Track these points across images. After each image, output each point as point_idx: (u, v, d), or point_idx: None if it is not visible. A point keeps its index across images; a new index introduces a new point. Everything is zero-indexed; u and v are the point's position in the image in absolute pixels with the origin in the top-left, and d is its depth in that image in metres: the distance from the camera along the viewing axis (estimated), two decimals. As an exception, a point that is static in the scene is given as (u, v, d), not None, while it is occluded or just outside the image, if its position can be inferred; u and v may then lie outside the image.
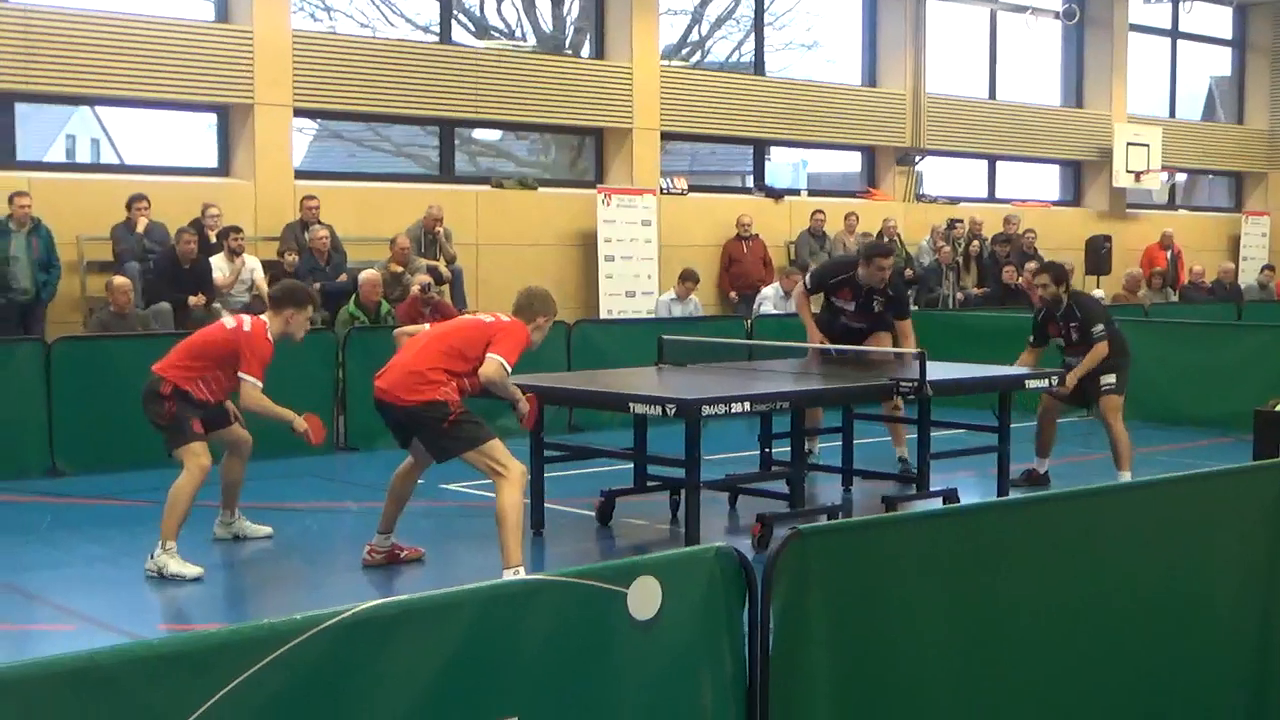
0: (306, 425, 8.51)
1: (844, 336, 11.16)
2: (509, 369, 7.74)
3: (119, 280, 13.17)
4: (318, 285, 14.84)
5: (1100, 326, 10.76)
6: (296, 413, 8.53)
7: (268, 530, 9.27)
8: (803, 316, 11.31)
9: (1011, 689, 4.36)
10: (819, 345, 11.00)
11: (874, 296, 10.94)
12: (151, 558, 8.14)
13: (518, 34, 19.63)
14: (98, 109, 17.25)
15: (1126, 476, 10.36)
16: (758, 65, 20.87)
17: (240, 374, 8.32)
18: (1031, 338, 11.13)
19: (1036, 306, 11.09)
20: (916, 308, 19.07)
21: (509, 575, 7.34)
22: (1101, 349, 10.69)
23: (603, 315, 17.36)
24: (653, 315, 16.98)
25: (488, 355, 7.69)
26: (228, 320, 8.85)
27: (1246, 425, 9.12)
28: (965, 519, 4.57)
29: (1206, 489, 5.08)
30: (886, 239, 19.94)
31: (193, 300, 13.72)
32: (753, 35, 20.95)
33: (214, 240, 14.68)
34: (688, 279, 17.09)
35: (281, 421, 8.53)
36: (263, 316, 8.65)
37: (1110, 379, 10.78)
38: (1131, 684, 4.65)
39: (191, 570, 8.15)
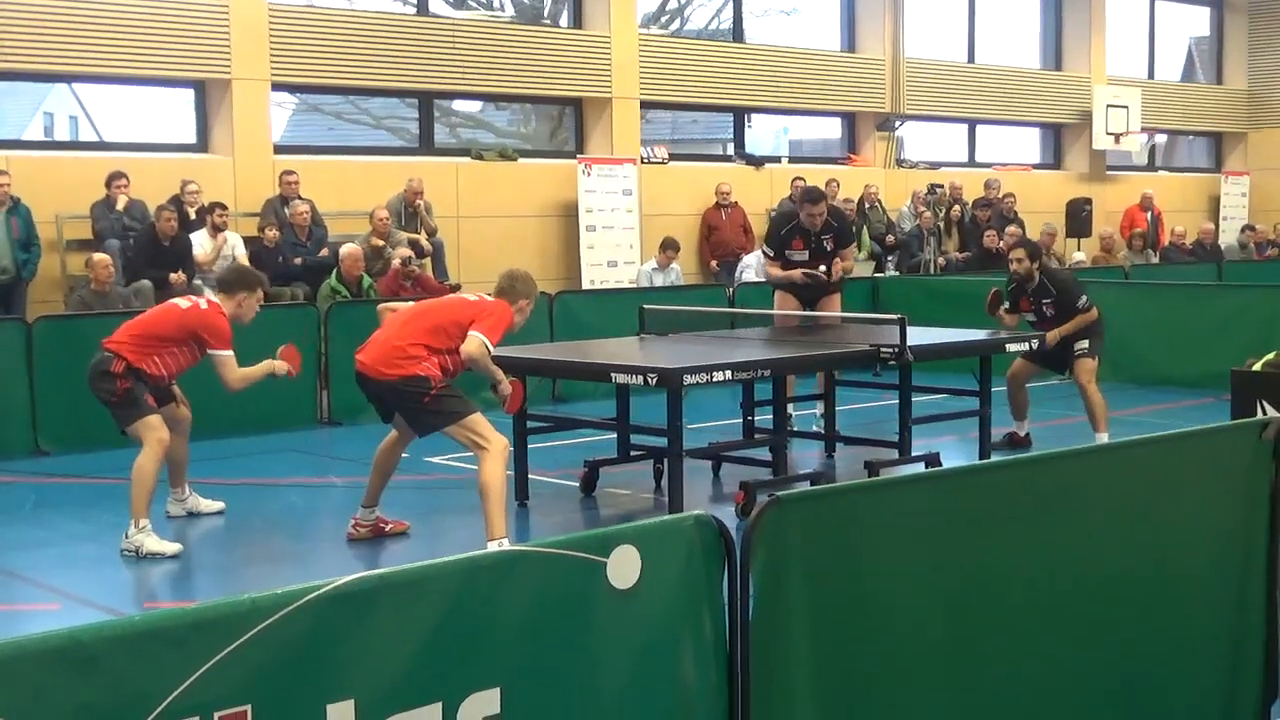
0: (286, 365, 8.56)
1: (806, 293, 11.64)
2: (491, 347, 7.76)
3: (99, 257, 13.14)
4: (299, 260, 14.87)
5: (1084, 298, 10.94)
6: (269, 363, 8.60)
7: (220, 505, 9.27)
8: (776, 275, 11.79)
9: (993, 652, 4.39)
10: (806, 275, 11.45)
11: (822, 237, 11.54)
12: (126, 537, 8.12)
13: (496, 4, 19.57)
14: (75, 86, 17.17)
15: (1104, 438, 10.44)
16: (736, 32, 20.83)
17: (212, 352, 8.33)
18: (1007, 304, 11.24)
19: (1009, 277, 11.20)
20: (898, 273, 19.14)
21: (493, 547, 7.37)
22: (1092, 314, 10.85)
23: (584, 286, 17.37)
24: (634, 285, 16.99)
25: (470, 333, 7.71)
26: (181, 301, 8.80)
27: (1227, 385, 9.15)
28: (946, 483, 4.59)
29: (1185, 449, 5.11)
30: (868, 205, 20.00)
31: (173, 277, 13.67)
32: (731, 2, 20.88)
33: (193, 217, 14.65)
34: (668, 248, 17.09)
35: (264, 376, 8.57)
36: (214, 299, 8.65)
37: (1084, 344, 10.91)
38: (1112, 644, 4.69)
39: (170, 547, 8.16)
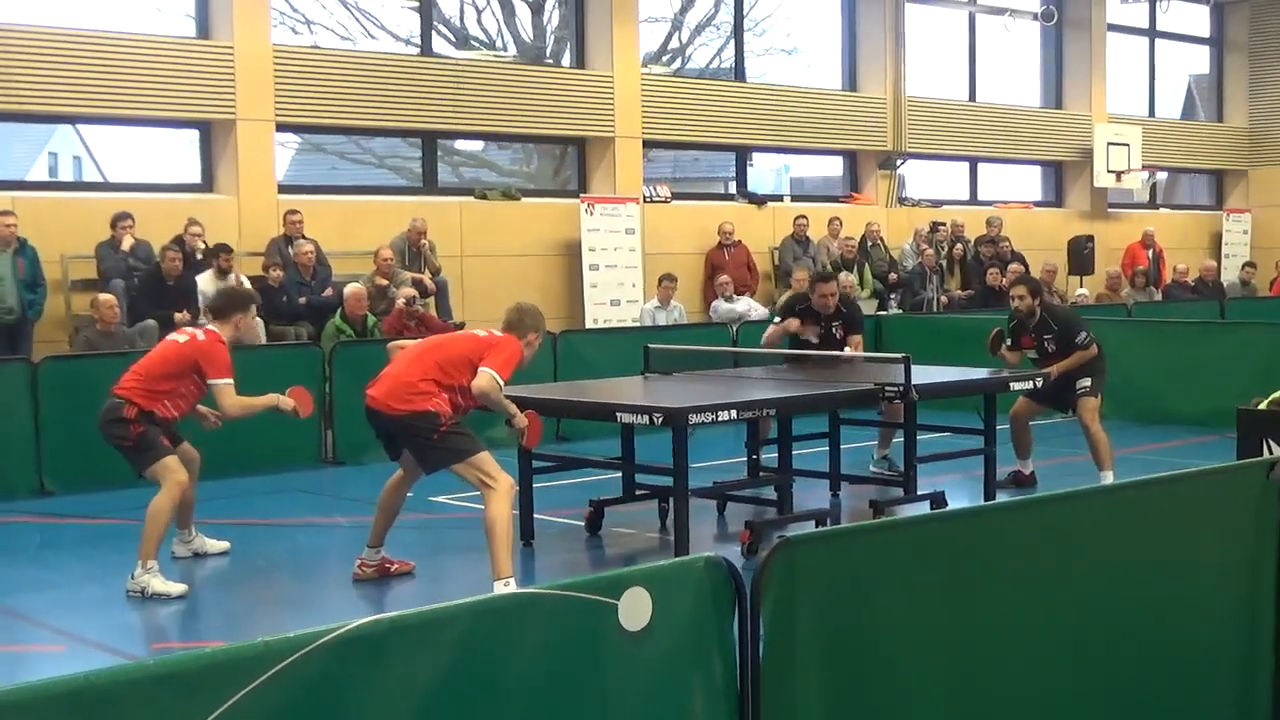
0: (294, 402, 8.54)
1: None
2: (501, 383, 7.75)
3: (105, 297, 13.17)
4: (303, 300, 14.89)
5: (1084, 334, 10.91)
6: (279, 395, 8.58)
7: (226, 545, 9.25)
8: (776, 332, 11.38)
9: (1001, 691, 4.39)
10: (798, 332, 11.19)
11: (833, 323, 11.24)
12: (132, 578, 8.10)
13: (498, 44, 19.65)
14: (79, 127, 17.24)
15: (1109, 477, 10.43)
16: (738, 71, 20.91)
17: (211, 381, 8.31)
18: (1009, 341, 11.24)
19: (1011, 314, 11.20)
20: (900, 311, 19.15)
21: (499, 587, 7.37)
22: (1092, 350, 10.84)
23: (588, 325, 17.39)
24: (638, 324, 17.01)
25: (480, 368, 7.71)
26: (178, 336, 8.78)
27: (1231, 423, 9.15)
28: (953, 523, 4.60)
29: (1191, 488, 5.12)
30: (870, 243, 20.03)
31: (178, 317, 13.67)
32: (732, 41, 20.98)
33: (199, 257, 14.66)
34: (665, 280, 17.14)
35: (268, 409, 8.55)
36: (211, 327, 8.64)
37: (1086, 382, 10.88)
38: (1120, 684, 4.68)
39: (176, 588, 8.13)
